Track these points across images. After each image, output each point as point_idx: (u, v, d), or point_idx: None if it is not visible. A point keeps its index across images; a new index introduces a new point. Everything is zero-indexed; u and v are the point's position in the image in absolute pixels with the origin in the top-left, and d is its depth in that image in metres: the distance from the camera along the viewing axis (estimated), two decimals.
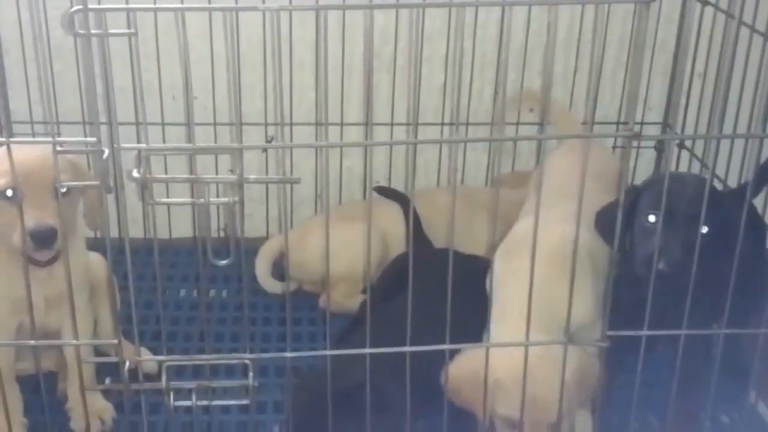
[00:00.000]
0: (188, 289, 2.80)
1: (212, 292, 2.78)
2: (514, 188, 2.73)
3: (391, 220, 2.70)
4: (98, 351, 2.24)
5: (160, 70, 2.78)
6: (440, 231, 2.67)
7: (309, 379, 2.05)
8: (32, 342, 1.82)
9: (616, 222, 1.67)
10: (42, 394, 1.89)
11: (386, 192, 2.79)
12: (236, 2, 1.59)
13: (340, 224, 2.46)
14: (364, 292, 2.60)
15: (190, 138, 1.62)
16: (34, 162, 1.85)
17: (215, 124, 2.85)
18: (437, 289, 1.80)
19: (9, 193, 1.89)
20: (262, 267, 2.76)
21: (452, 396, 1.91)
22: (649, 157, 2.97)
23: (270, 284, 2.76)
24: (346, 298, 2.64)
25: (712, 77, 2.55)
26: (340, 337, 2.36)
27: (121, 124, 2.55)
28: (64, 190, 1.90)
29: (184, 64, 1.58)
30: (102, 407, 2.19)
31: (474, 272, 2.27)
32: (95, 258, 2.26)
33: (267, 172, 2.86)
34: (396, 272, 2.43)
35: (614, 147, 2.88)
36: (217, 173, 2.79)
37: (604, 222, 2.03)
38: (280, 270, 2.79)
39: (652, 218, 1.95)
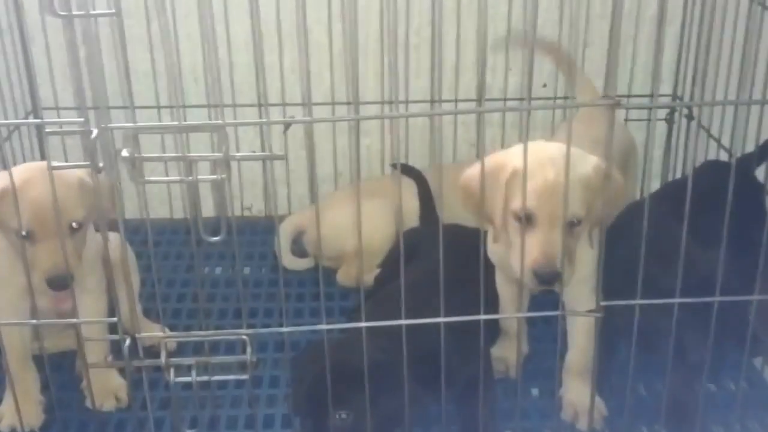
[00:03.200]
0: (212, 267, 2.84)
1: (246, 270, 2.82)
2: None
3: (407, 197, 2.71)
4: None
5: (179, 51, 2.82)
6: (454, 206, 2.65)
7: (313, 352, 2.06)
8: (34, 321, 1.87)
9: None
10: (59, 373, 1.95)
11: (405, 169, 2.80)
12: None
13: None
14: (379, 266, 2.61)
15: (184, 117, 1.64)
16: (47, 201, 1.87)
17: (234, 105, 2.89)
18: (445, 262, 1.78)
19: (24, 233, 1.96)
20: (282, 244, 2.78)
21: (466, 200, 1.94)
22: (661, 131, 2.97)
23: (289, 261, 2.80)
24: (363, 273, 2.65)
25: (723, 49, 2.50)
26: (353, 310, 2.37)
27: (139, 107, 2.62)
28: (75, 225, 2.00)
29: (205, 45, 1.60)
30: (117, 385, 2.23)
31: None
32: (113, 237, 2.31)
33: (287, 153, 2.87)
34: (405, 248, 2.43)
35: (626, 120, 2.88)
36: (237, 152, 2.82)
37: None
38: (300, 247, 2.83)
39: None
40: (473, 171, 1.91)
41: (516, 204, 1.86)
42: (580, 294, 1.96)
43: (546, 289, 1.89)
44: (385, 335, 1.80)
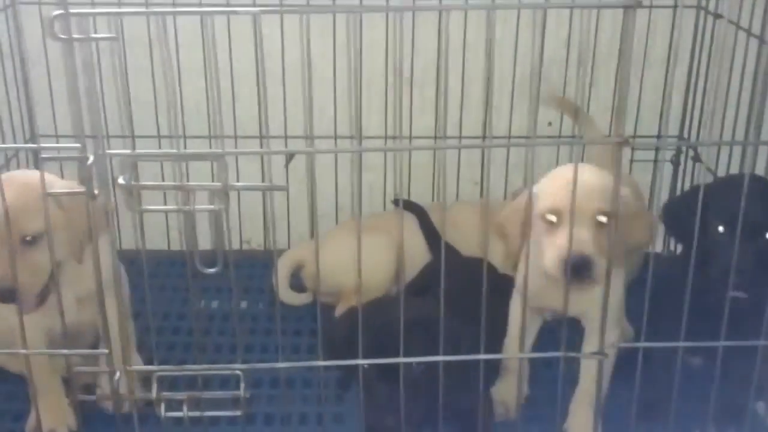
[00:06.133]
0: (209, 300, 2.78)
1: (244, 304, 2.78)
2: None
3: (408, 233, 2.68)
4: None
5: (181, 81, 2.80)
6: (457, 244, 2.63)
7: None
8: (23, 351, 1.82)
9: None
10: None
11: (407, 205, 2.77)
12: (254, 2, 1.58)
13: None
14: None
15: (184, 145, 1.62)
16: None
17: (236, 136, 2.85)
18: (471, 296, 1.80)
19: None
20: (280, 278, 2.74)
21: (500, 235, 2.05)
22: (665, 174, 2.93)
23: (288, 295, 2.75)
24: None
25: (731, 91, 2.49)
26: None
27: (139, 136, 2.59)
28: (29, 238, 1.91)
29: (207, 74, 1.59)
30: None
31: (500, 282, 2.25)
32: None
33: (288, 186, 2.85)
34: (425, 280, 2.44)
35: (631, 161, 2.87)
36: (237, 179, 2.80)
37: (670, 216, 2.09)
38: (298, 281, 2.79)
39: (721, 228, 1.97)
40: (506, 211, 2.05)
41: (546, 204, 1.92)
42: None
43: (579, 283, 1.86)
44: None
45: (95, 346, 2.23)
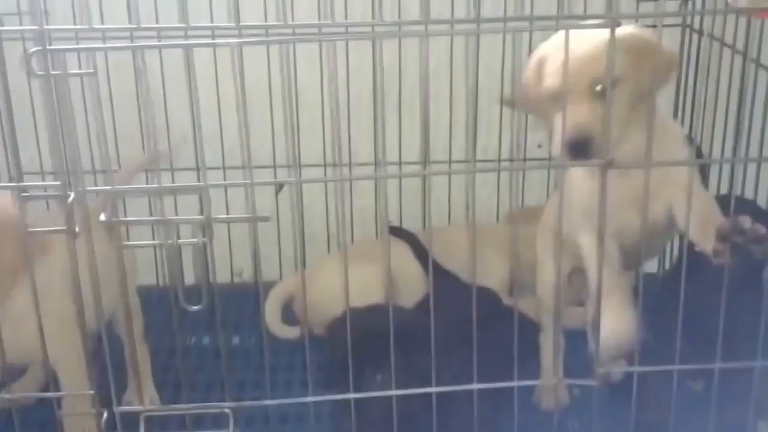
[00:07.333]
0: (199, 336, 2.74)
1: (236, 339, 2.74)
2: (526, 224, 2.64)
3: (401, 261, 2.64)
4: None
5: (167, 114, 2.77)
6: (452, 268, 2.60)
7: None
8: (7, 396, 1.78)
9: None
10: None
11: (397, 232, 2.74)
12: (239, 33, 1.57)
13: (351, 265, 2.41)
14: None
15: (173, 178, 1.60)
16: None
17: (224, 167, 2.83)
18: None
19: None
20: (271, 311, 2.70)
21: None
22: None
23: (279, 329, 2.70)
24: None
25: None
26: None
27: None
28: None
29: (190, 106, 1.58)
30: None
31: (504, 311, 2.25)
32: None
33: (278, 216, 2.83)
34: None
35: None
36: (227, 211, 2.76)
37: None
38: (291, 314, 2.74)
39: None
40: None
41: (548, 82, 1.87)
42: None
43: (583, 161, 1.79)
44: None
45: None
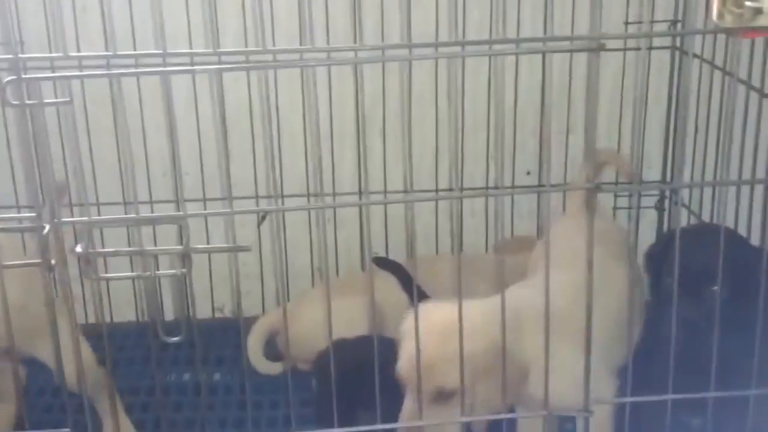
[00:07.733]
0: (179, 373, 2.66)
1: (217, 375, 2.67)
2: (515, 254, 2.60)
3: (388, 292, 2.59)
4: None
5: (146, 143, 2.72)
6: (439, 298, 2.55)
7: None
8: None
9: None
10: None
11: (382, 263, 2.69)
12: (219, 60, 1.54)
13: (335, 298, 2.35)
14: None
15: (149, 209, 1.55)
16: None
17: (204, 199, 2.78)
18: None
19: None
20: (253, 346, 2.64)
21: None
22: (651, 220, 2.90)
23: (262, 364, 2.63)
24: None
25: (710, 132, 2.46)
26: None
27: (95, 204, 2.50)
28: None
29: (170, 136, 1.54)
30: None
31: None
32: None
33: (261, 248, 2.78)
34: None
35: (614, 209, 2.82)
36: (208, 243, 2.71)
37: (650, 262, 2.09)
38: (273, 349, 2.68)
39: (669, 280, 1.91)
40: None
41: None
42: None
43: None
44: None
45: None
